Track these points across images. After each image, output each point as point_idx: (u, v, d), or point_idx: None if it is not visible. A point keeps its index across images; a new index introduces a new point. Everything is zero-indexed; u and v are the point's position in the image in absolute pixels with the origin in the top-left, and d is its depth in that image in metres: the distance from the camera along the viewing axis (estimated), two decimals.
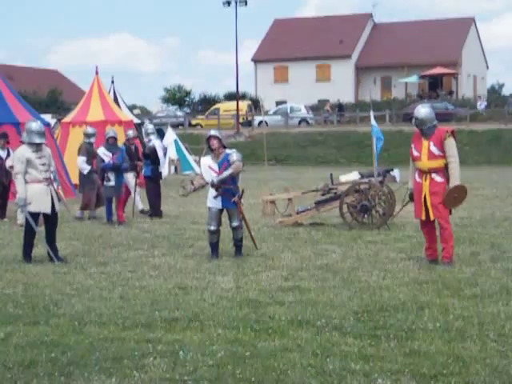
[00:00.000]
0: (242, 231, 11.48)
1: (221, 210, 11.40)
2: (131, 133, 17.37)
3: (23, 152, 11.10)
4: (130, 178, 16.81)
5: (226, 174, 11.16)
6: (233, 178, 11.32)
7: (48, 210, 11.13)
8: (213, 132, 11.43)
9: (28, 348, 6.73)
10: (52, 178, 11.24)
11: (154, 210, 16.67)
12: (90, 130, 17.61)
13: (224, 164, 11.26)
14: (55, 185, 11.35)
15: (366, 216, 14.53)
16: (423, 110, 10.48)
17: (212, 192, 11.33)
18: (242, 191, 11.57)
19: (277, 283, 9.39)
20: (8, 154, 16.43)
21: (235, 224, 11.40)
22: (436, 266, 10.33)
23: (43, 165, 11.08)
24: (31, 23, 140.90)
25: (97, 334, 7.20)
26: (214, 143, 11.28)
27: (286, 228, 14.58)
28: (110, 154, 15.62)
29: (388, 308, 7.97)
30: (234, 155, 11.30)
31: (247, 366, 6.19)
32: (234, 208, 11.37)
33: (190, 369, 6.13)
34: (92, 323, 7.58)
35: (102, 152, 15.69)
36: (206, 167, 11.37)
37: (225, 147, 11.44)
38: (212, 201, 11.35)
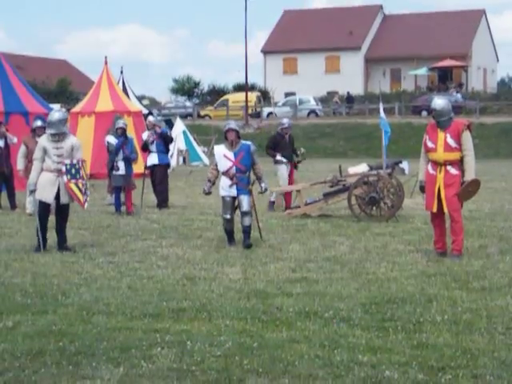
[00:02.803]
0: (251, 218, 11.59)
1: (234, 198, 11.55)
2: (286, 121, 16.56)
3: (42, 140, 11.27)
4: (284, 170, 16.11)
5: (265, 183, 11.74)
6: (246, 168, 11.53)
7: (49, 200, 11.15)
8: (232, 126, 11.61)
9: (36, 337, 6.75)
10: (64, 170, 11.03)
11: (165, 200, 16.67)
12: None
13: (241, 153, 11.44)
14: (65, 178, 11.05)
15: (374, 208, 14.49)
16: (440, 102, 10.45)
17: (226, 181, 11.50)
18: (253, 181, 11.77)
19: (285, 274, 9.39)
20: (5, 143, 16.43)
21: (245, 209, 11.51)
22: (444, 258, 10.31)
23: (59, 156, 11.07)
24: (41, 13, 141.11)
25: (104, 323, 7.21)
26: (233, 135, 11.49)
27: (294, 219, 14.57)
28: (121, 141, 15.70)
29: (396, 300, 7.96)
30: (255, 156, 11.58)
31: (255, 356, 6.18)
32: (247, 195, 11.56)
33: (197, 359, 6.14)
34: (100, 313, 7.59)
35: (113, 140, 15.72)
36: (221, 156, 11.51)
37: (239, 138, 11.64)
38: (226, 190, 11.52)
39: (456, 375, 5.74)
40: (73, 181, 11.10)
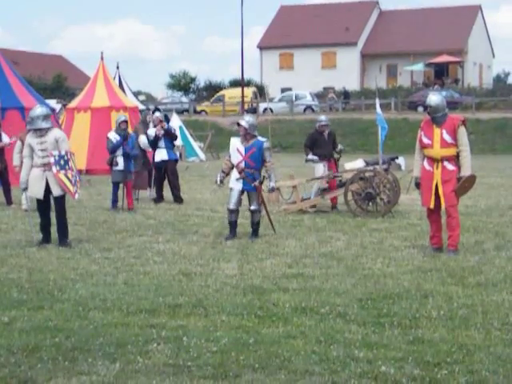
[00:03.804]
0: (259, 215, 11.92)
1: (241, 192, 11.85)
2: (324, 118, 16.10)
3: (28, 137, 11.29)
4: (320, 168, 15.58)
5: (273, 182, 11.89)
6: (256, 164, 11.73)
7: (39, 196, 11.18)
8: (241, 121, 11.81)
9: (32, 333, 6.75)
10: (52, 161, 10.97)
11: (179, 195, 16.80)
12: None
13: (252, 149, 11.69)
14: (54, 169, 10.98)
15: (370, 204, 14.51)
16: (435, 98, 10.46)
17: (235, 174, 11.80)
18: (263, 177, 11.96)
19: (281, 270, 9.39)
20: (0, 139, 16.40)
21: (253, 207, 11.89)
22: (440, 254, 10.33)
23: (43, 150, 11.08)
24: (37, 8, 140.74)
25: (101, 319, 7.21)
26: (241, 130, 11.77)
27: (290, 215, 14.57)
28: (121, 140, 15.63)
29: (392, 296, 7.97)
30: (267, 154, 11.78)
31: (251, 352, 6.19)
32: (254, 192, 11.83)
33: (193, 355, 6.14)
34: (96, 308, 7.59)
35: (113, 136, 15.65)
36: (235, 149, 11.82)
37: (250, 134, 11.77)
38: (234, 182, 11.87)
39: (452, 370, 5.76)
40: (62, 171, 11.06)
